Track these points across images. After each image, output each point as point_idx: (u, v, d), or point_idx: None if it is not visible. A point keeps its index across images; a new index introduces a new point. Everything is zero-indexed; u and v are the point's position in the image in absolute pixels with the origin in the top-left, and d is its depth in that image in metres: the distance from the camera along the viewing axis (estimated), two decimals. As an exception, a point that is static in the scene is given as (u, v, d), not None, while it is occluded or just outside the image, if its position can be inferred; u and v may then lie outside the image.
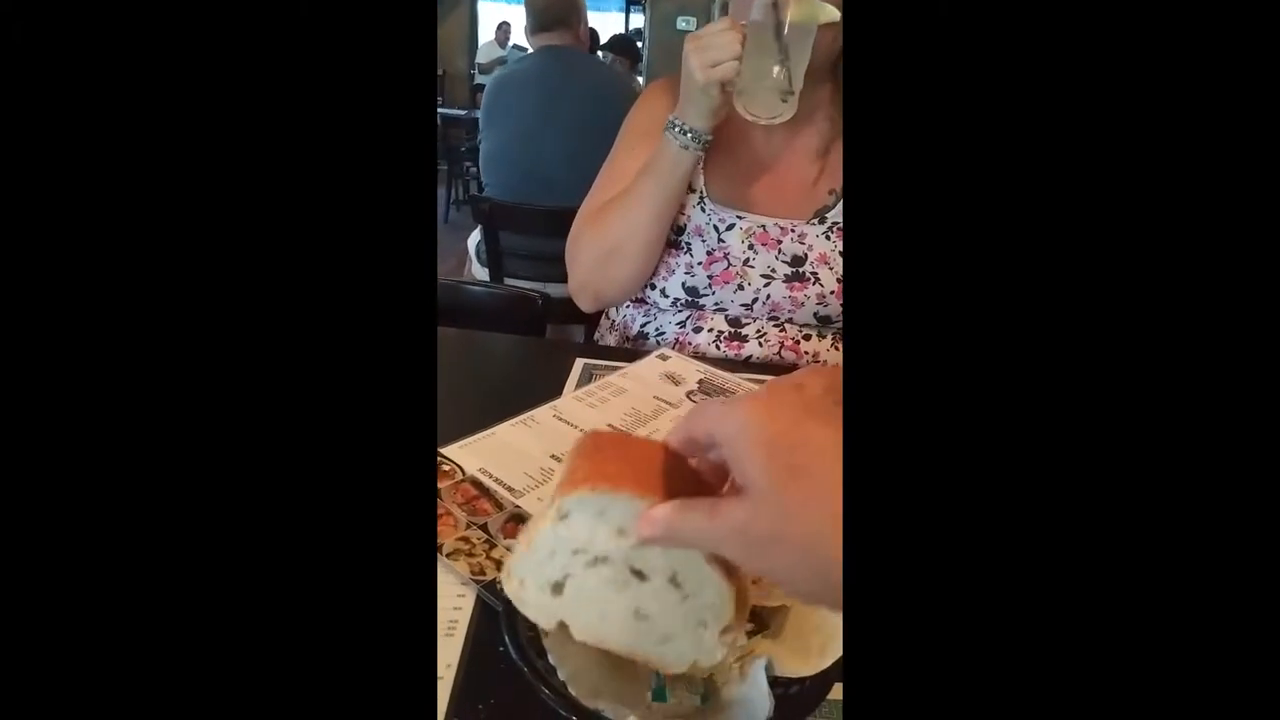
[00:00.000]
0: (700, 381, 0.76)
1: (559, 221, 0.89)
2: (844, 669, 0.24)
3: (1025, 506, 0.24)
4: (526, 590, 0.34)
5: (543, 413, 0.68)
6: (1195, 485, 0.23)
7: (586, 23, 1.66)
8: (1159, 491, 0.23)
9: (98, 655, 0.25)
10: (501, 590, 0.40)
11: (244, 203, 0.26)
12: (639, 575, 0.33)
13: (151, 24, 0.26)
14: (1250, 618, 0.22)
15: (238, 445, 0.26)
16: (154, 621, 0.25)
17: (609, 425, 0.67)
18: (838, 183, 0.85)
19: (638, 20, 6.29)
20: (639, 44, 4.24)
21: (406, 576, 0.26)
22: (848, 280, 0.27)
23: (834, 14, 0.71)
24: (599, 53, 3.96)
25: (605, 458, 0.34)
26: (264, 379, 0.26)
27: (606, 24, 5.97)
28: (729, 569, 0.32)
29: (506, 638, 0.37)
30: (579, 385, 0.75)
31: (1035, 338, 0.24)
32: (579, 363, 0.80)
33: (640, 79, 4.01)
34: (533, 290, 1.05)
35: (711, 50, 0.70)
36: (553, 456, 0.61)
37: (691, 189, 0.86)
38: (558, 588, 0.34)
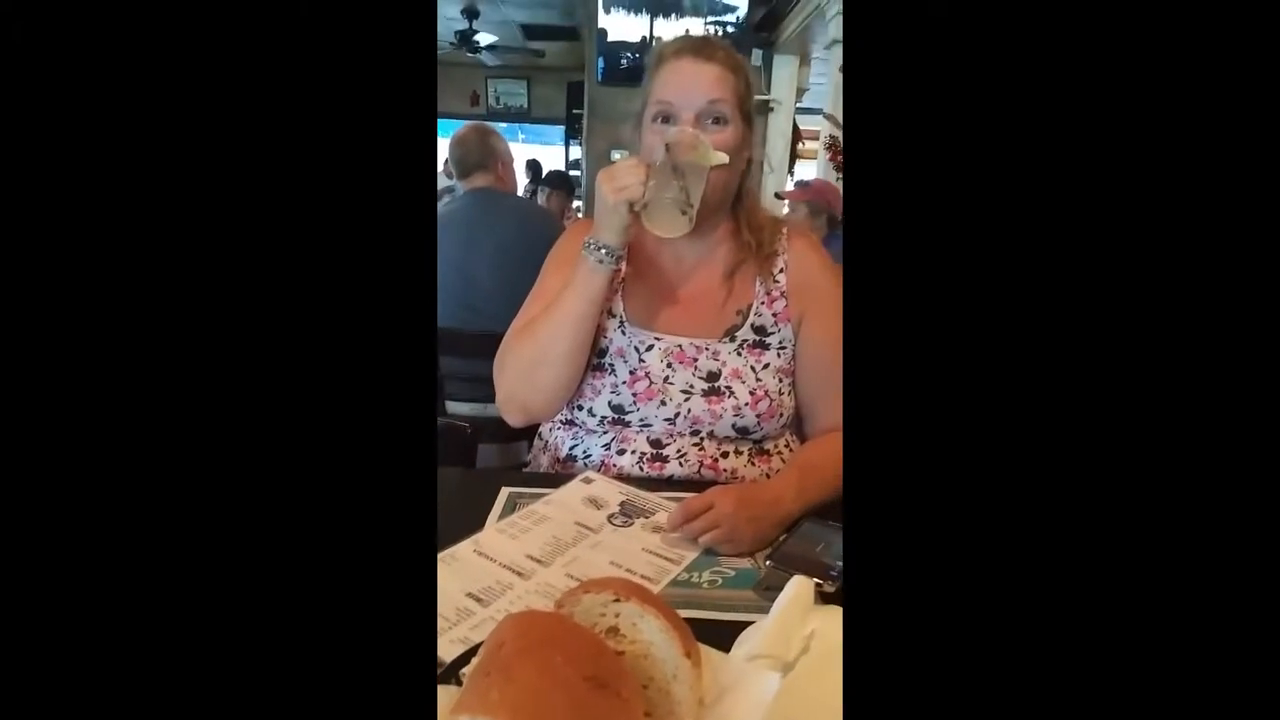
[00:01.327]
0: (622, 504, 0.77)
1: (495, 345, 0.92)
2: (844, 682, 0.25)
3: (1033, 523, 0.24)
4: None
5: (463, 548, 0.67)
6: (1192, 491, 0.24)
7: (507, 163, 1.87)
8: (1165, 522, 0.24)
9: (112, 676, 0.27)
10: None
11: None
12: None
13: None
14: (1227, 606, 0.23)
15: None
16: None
17: (528, 556, 0.66)
18: (744, 303, 0.91)
19: (577, 151, 6.69)
20: (576, 173, 4.51)
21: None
22: (849, 288, 0.29)
23: (722, 158, 0.80)
24: (538, 187, 4.21)
25: (494, 680, 0.37)
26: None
27: (549, 155, 6.34)
28: None
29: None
30: (503, 515, 0.75)
31: (1035, 345, 0.25)
32: (504, 492, 0.80)
33: (578, 203, 4.24)
34: (462, 420, 1.06)
35: (619, 178, 0.80)
36: (469, 595, 0.60)
37: (612, 314, 0.90)
38: None
